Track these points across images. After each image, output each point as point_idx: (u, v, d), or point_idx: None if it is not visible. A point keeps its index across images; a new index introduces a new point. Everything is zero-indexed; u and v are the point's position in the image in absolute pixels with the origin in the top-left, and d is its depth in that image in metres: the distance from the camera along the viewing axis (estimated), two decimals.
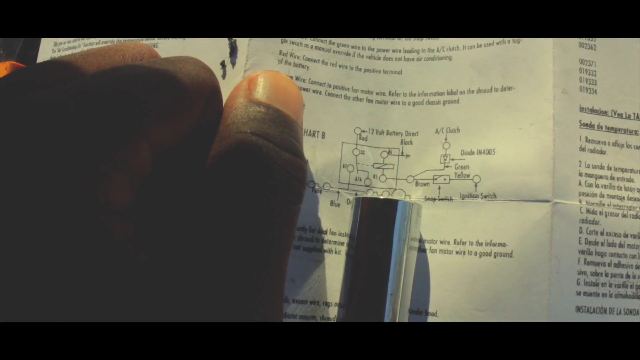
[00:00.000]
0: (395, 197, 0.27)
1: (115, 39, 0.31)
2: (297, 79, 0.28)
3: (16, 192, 0.14)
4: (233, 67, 0.28)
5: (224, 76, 0.28)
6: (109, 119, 0.16)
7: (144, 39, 0.30)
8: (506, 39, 0.27)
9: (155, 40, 0.30)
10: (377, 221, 0.25)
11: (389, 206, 0.25)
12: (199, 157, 0.20)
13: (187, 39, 0.29)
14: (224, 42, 0.28)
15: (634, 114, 0.27)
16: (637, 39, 0.27)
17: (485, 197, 0.26)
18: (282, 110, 0.20)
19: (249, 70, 0.27)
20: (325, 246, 0.27)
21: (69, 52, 0.32)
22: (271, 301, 0.17)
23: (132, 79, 0.17)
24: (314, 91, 0.28)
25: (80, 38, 0.32)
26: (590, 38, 0.27)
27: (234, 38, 0.28)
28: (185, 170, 0.20)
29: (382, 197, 0.26)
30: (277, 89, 0.20)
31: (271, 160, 0.18)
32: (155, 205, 0.19)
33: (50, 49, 0.33)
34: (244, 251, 0.17)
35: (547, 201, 0.25)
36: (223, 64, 0.28)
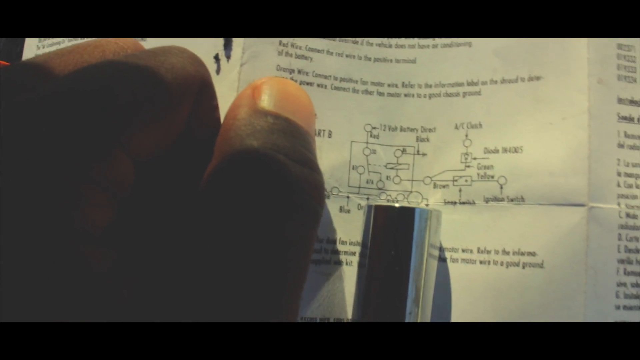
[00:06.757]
0: (411, 200, 0.25)
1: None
2: (299, 72, 0.25)
3: None
4: (228, 60, 0.25)
5: (218, 71, 0.25)
6: (79, 130, 0.14)
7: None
8: None
9: None
10: (393, 232, 0.22)
11: (406, 215, 0.22)
12: (190, 167, 0.18)
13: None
14: None
15: None
16: None
17: (512, 200, 0.24)
18: (292, 119, 0.17)
19: (246, 64, 0.25)
20: (335, 257, 0.24)
21: (53, 48, 0.30)
22: None
23: (105, 80, 0.15)
24: (318, 85, 0.25)
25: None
26: None
27: None
28: (175, 182, 0.18)
29: (397, 204, 0.24)
30: (286, 97, 0.18)
31: (284, 178, 0.16)
32: (140, 225, 0.17)
33: (34, 45, 0.31)
34: (253, 288, 0.14)
35: (582, 205, 0.23)
36: (217, 58, 0.25)
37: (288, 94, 0.18)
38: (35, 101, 0.14)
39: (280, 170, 0.16)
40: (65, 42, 0.29)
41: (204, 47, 0.25)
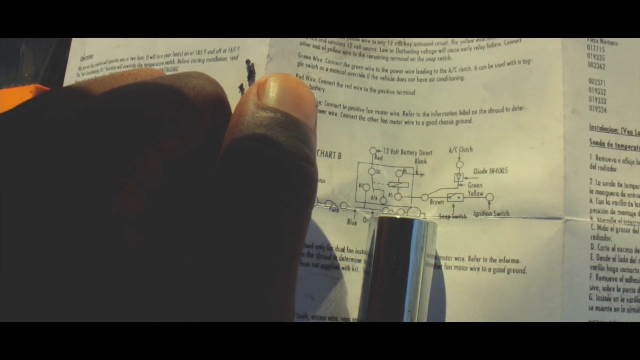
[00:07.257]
0: (410, 215, 0.28)
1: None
2: None
3: (34, 202, 0.15)
4: None
5: None
6: (118, 134, 0.17)
7: (165, 59, 0.31)
8: (517, 59, 0.28)
9: (175, 64, 0.31)
10: (395, 239, 0.26)
11: (406, 225, 0.26)
12: (209, 166, 0.20)
13: (206, 63, 0.30)
14: (242, 65, 0.29)
15: None
16: None
17: (499, 214, 0.27)
18: (290, 113, 0.19)
19: None
20: (343, 263, 0.27)
21: (92, 76, 0.33)
22: (280, 309, 0.17)
23: (138, 95, 0.18)
24: (330, 113, 0.29)
25: (104, 62, 0.33)
26: (599, 57, 0.28)
27: (251, 62, 0.29)
28: (196, 178, 0.21)
29: (398, 216, 0.27)
30: (287, 92, 0.20)
31: (276, 168, 0.18)
32: (166, 212, 0.20)
33: (75, 73, 0.34)
34: (251, 262, 0.17)
35: (559, 218, 0.26)
36: (241, 87, 0.29)
37: (289, 89, 0.20)
38: (86, 112, 0.17)
39: (272, 162, 0.18)
40: (103, 71, 0.33)
41: (230, 78, 0.29)
